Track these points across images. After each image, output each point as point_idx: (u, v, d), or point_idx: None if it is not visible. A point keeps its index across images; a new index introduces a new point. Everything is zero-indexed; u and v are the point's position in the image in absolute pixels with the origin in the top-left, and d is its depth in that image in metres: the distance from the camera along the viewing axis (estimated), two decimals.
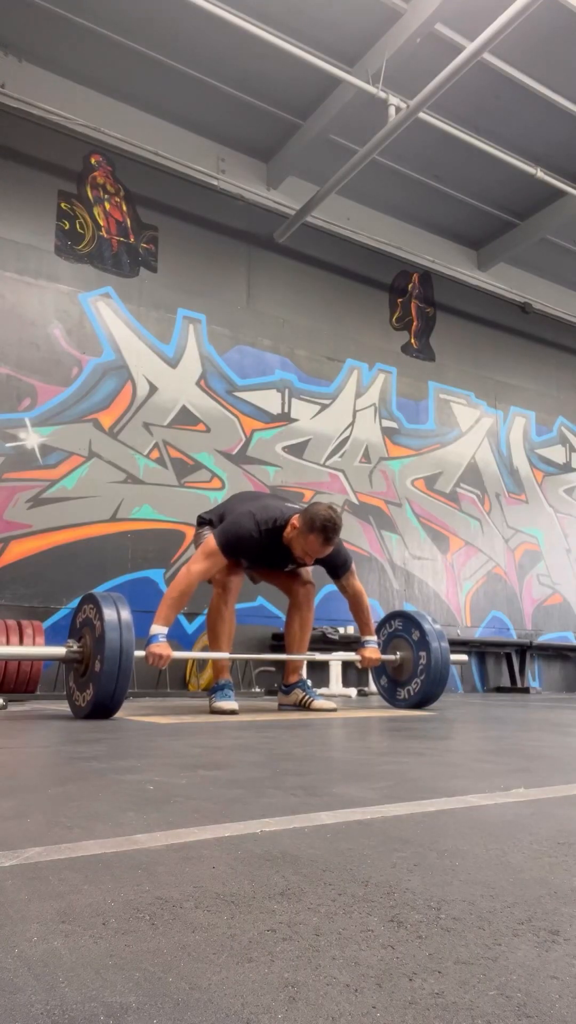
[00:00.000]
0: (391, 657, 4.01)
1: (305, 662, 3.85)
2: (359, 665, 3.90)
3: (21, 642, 4.51)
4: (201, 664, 5.51)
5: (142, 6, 5.38)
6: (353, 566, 3.81)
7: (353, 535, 6.89)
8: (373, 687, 6.10)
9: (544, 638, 8.04)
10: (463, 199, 7.54)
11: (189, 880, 0.77)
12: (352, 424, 7.17)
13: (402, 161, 6.95)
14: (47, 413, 5.53)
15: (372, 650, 3.84)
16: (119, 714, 3.22)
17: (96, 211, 6.07)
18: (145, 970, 0.55)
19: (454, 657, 4.00)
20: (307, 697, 3.70)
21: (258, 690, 5.71)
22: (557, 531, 8.55)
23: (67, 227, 5.90)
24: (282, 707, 3.79)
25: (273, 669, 6.14)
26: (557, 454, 8.85)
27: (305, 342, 7.03)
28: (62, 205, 5.91)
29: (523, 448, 8.50)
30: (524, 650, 7.54)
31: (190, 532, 5.96)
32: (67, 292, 5.79)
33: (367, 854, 0.87)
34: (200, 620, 5.86)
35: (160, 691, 5.33)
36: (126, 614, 2.99)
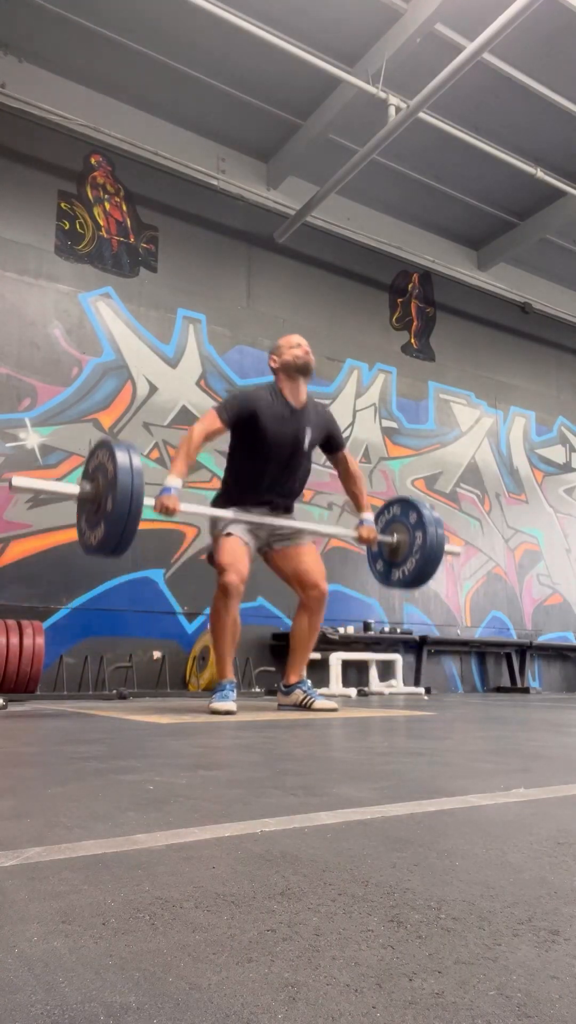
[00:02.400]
0: (388, 539, 4.07)
1: (305, 664, 3.83)
2: (357, 540, 3.94)
3: (21, 642, 4.51)
4: (201, 664, 5.51)
5: (142, 6, 5.38)
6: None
7: None
8: (373, 687, 6.11)
9: (544, 638, 8.04)
10: (463, 199, 7.54)
11: (189, 880, 0.76)
12: (352, 424, 7.17)
13: (402, 161, 6.95)
14: (47, 413, 5.53)
15: (369, 528, 3.91)
16: (117, 713, 3.22)
17: (96, 211, 6.07)
18: (145, 970, 0.55)
19: (449, 547, 4.10)
20: (308, 698, 3.67)
21: (258, 690, 5.71)
22: (557, 531, 8.55)
23: (67, 227, 5.90)
24: (282, 707, 3.77)
25: (273, 669, 6.14)
26: (557, 454, 8.85)
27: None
28: (62, 205, 5.91)
29: (523, 448, 8.50)
30: (524, 650, 7.54)
31: (190, 532, 5.97)
32: (67, 292, 5.79)
33: (367, 854, 0.87)
34: (200, 620, 5.86)
35: (160, 691, 5.33)
36: (137, 460, 3.07)
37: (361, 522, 3.92)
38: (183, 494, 3.42)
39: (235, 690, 3.49)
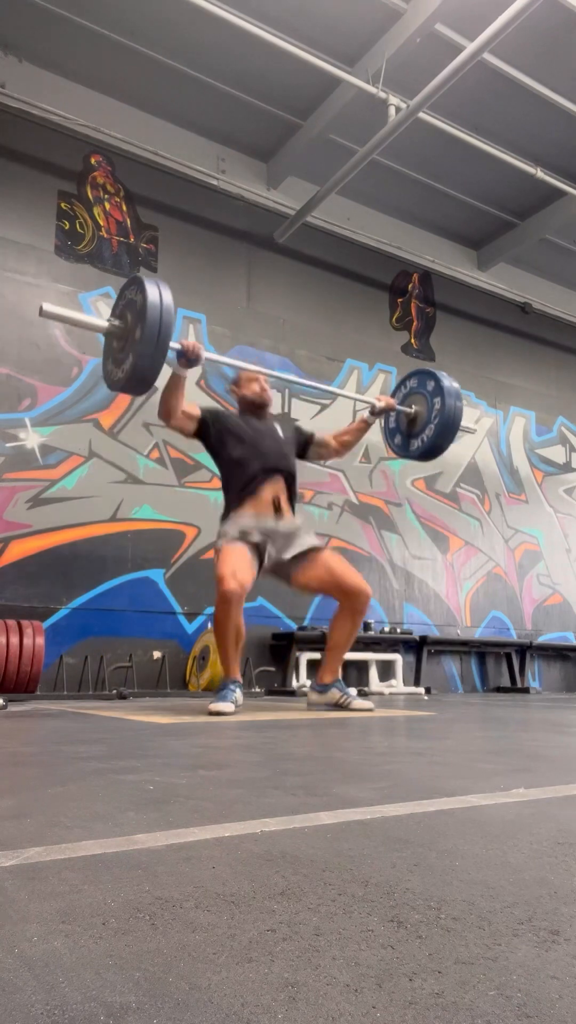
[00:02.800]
0: (407, 409, 4.17)
1: (339, 662, 3.74)
2: (373, 413, 4.03)
3: (21, 642, 4.51)
4: (201, 664, 5.52)
5: (142, 6, 5.38)
6: None
7: (353, 535, 6.89)
8: (373, 687, 6.11)
9: (544, 638, 8.04)
10: (463, 199, 7.54)
11: (189, 880, 0.77)
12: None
13: (402, 161, 6.95)
14: (47, 413, 5.53)
15: (385, 397, 4.10)
16: (117, 713, 3.22)
17: (96, 211, 6.07)
18: (145, 970, 0.55)
19: (465, 424, 4.17)
20: (345, 697, 3.58)
21: (258, 690, 5.71)
22: (557, 531, 8.55)
23: (67, 227, 5.90)
24: (312, 706, 3.67)
25: (273, 669, 6.14)
26: (557, 454, 8.85)
27: (305, 342, 7.02)
28: (62, 205, 5.91)
29: (523, 448, 8.50)
30: (524, 650, 7.54)
31: (190, 532, 5.97)
32: (67, 292, 5.78)
33: (367, 854, 0.87)
34: (200, 620, 5.86)
35: (160, 691, 5.33)
36: (168, 295, 3.17)
37: (373, 404, 4.04)
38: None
39: (238, 689, 3.42)
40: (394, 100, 5.62)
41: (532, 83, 5.96)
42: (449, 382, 4.05)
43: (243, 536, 3.55)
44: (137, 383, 3.17)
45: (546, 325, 8.94)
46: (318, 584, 3.68)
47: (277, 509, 3.67)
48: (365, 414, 4.06)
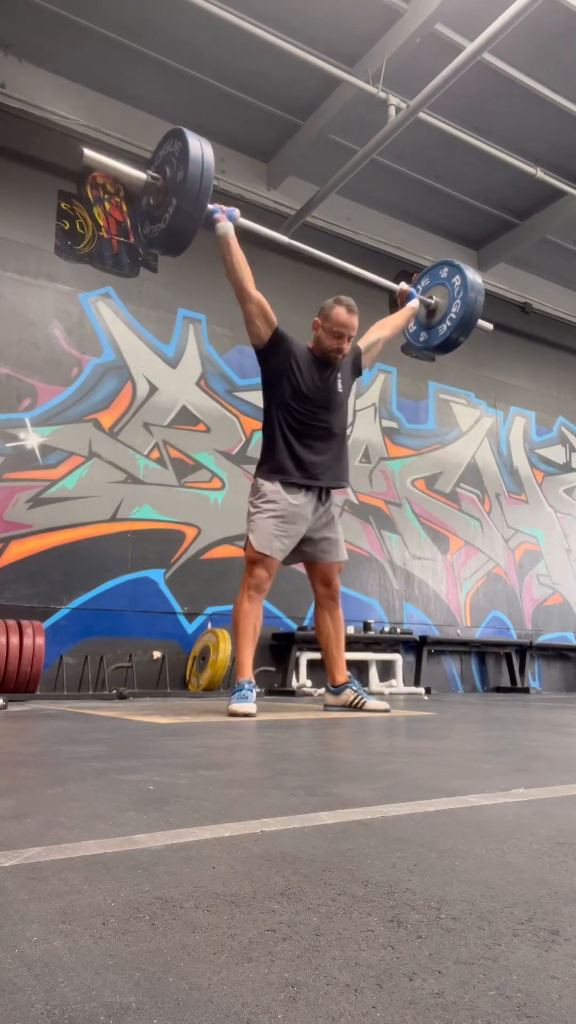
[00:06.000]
0: (428, 300, 4.26)
1: (343, 659, 3.62)
2: (399, 293, 4.30)
3: (21, 642, 4.51)
4: (201, 664, 5.52)
5: (142, 6, 5.38)
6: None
7: (353, 535, 6.88)
8: (373, 687, 6.11)
9: (544, 638, 8.04)
10: (463, 199, 7.54)
11: (189, 880, 0.76)
12: (352, 424, 7.16)
13: (402, 161, 6.95)
14: (47, 413, 5.53)
15: (406, 288, 4.22)
16: (117, 713, 3.22)
17: (96, 211, 6.07)
18: (145, 970, 0.55)
19: (482, 322, 4.22)
20: (359, 697, 3.47)
21: (259, 691, 5.70)
22: (557, 531, 8.55)
23: (67, 227, 5.90)
24: (328, 708, 3.55)
25: (273, 669, 6.14)
26: (557, 454, 8.85)
27: (306, 342, 7.00)
28: (62, 205, 5.91)
29: (523, 448, 8.50)
30: (524, 650, 7.54)
31: (190, 532, 5.97)
32: (67, 292, 5.78)
33: (367, 854, 0.87)
34: (201, 620, 5.86)
35: (160, 691, 5.34)
36: (210, 151, 3.17)
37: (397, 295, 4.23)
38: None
39: (253, 690, 3.26)
40: (394, 100, 5.62)
41: (532, 83, 5.96)
42: (473, 275, 4.08)
43: (283, 506, 3.36)
44: (177, 236, 3.18)
45: (546, 325, 8.94)
46: (313, 569, 3.58)
47: (323, 494, 3.51)
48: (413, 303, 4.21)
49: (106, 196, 6.15)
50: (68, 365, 5.70)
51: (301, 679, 5.90)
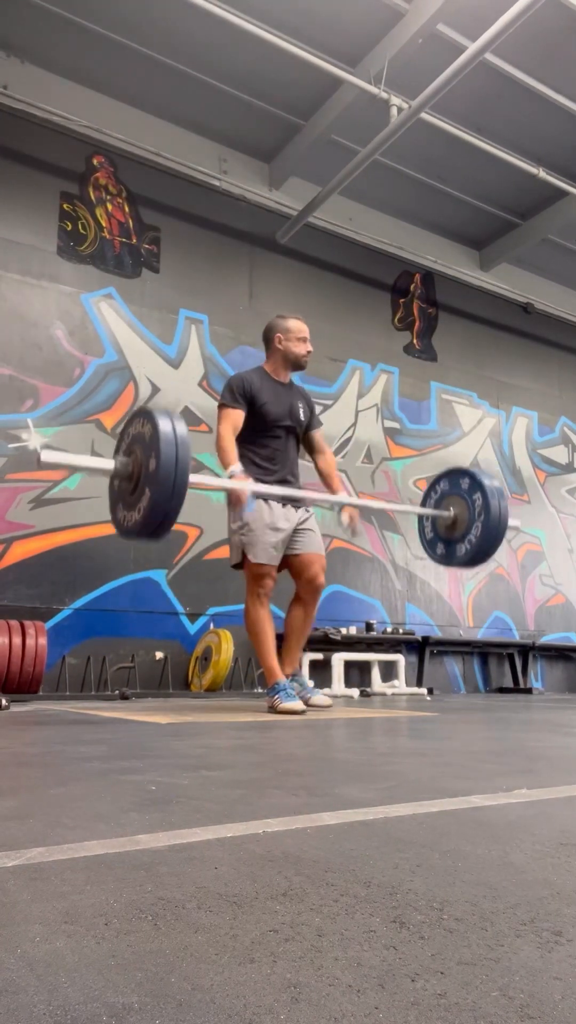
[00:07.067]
0: (445, 513, 3.89)
1: (300, 659, 3.76)
2: (345, 522, 3.79)
3: (23, 643, 4.51)
4: (203, 665, 5.52)
5: (144, 7, 5.38)
6: None
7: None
8: (375, 688, 6.10)
9: (547, 639, 8.03)
10: (465, 199, 7.53)
11: (191, 881, 0.77)
12: (354, 424, 7.16)
13: (404, 161, 6.95)
14: (49, 414, 5.54)
15: (352, 510, 3.84)
16: (120, 714, 3.22)
17: (98, 212, 6.07)
18: (147, 970, 0.55)
19: (513, 521, 3.92)
20: (303, 692, 3.62)
21: (260, 691, 5.71)
22: (559, 531, 8.54)
23: (69, 228, 5.90)
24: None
25: None
26: (559, 454, 8.84)
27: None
28: (64, 206, 5.92)
29: (525, 448, 8.50)
30: (527, 651, 7.53)
31: (192, 533, 5.97)
32: (69, 293, 5.79)
33: (369, 855, 0.87)
34: (203, 620, 5.86)
35: (162, 691, 5.34)
36: (183, 427, 2.80)
37: (342, 506, 3.86)
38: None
39: (293, 688, 3.44)
40: (396, 100, 5.62)
41: (534, 83, 5.96)
42: (488, 479, 3.77)
43: (270, 519, 3.55)
44: (156, 529, 2.82)
45: (548, 325, 8.93)
46: (295, 564, 3.68)
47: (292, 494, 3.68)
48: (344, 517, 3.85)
49: (108, 197, 6.16)
50: (70, 366, 5.70)
51: (303, 679, 5.89)
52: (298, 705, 3.28)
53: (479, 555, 3.82)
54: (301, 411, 3.78)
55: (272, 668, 3.47)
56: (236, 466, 3.39)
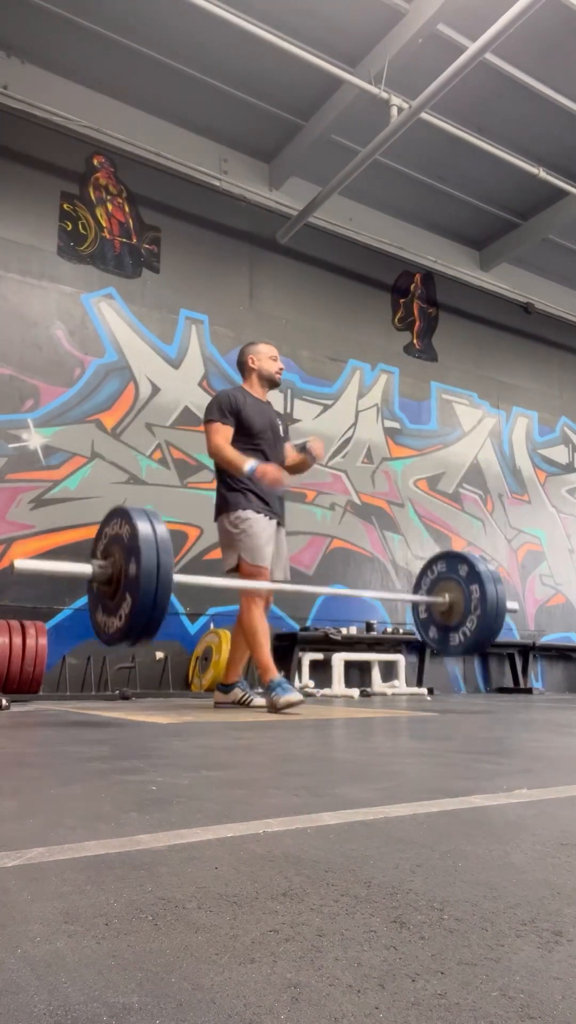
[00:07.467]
0: (439, 599, 3.80)
1: (242, 662, 3.91)
2: (311, 449, 3.88)
3: (24, 643, 4.51)
4: (203, 665, 5.52)
5: (145, 7, 5.38)
6: None
7: (356, 535, 6.89)
8: (376, 688, 6.10)
9: (547, 639, 8.03)
10: (465, 199, 7.53)
11: (192, 881, 0.77)
12: (354, 424, 7.16)
13: (404, 161, 6.95)
14: (50, 414, 5.54)
15: (315, 439, 3.99)
16: (120, 714, 3.22)
17: (98, 212, 6.08)
18: (148, 970, 0.55)
19: (511, 604, 3.79)
20: (247, 696, 3.81)
21: (261, 691, 5.70)
22: (560, 531, 8.54)
23: (69, 228, 5.91)
24: (218, 705, 3.86)
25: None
26: (560, 454, 8.84)
27: (307, 343, 7.02)
28: (64, 206, 5.92)
29: (526, 448, 8.49)
30: (527, 651, 7.53)
31: (193, 533, 5.97)
32: (69, 293, 5.79)
33: (370, 855, 0.87)
34: (203, 620, 5.86)
35: (163, 691, 5.34)
36: (162, 527, 2.68)
37: (304, 444, 3.95)
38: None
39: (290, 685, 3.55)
40: (396, 100, 5.62)
41: (534, 83, 5.96)
42: (485, 566, 3.65)
43: (266, 524, 3.74)
44: (140, 635, 2.67)
45: (548, 325, 8.93)
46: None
47: (276, 505, 3.88)
48: (298, 448, 3.99)
49: (108, 197, 6.16)
50: (70, 366, 5.70)
51: (304, 679, 5.89)
52: (295, 696, 3.38)
53: (472, 648, 3.77)
54: (280, 426, 4.01)
55: (267, 666, 3.56)
56: (252, 461, 3.55)
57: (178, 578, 2.93)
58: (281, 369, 4.04)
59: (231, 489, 3.78)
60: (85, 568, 2.84)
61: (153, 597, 2.56)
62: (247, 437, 3.79)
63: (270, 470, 3.51)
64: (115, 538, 2.82)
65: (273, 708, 3.39)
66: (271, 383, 4.01)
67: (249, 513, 3.67)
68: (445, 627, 3.84)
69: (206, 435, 3.77)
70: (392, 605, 7.00)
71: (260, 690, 4.34)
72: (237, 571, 3.70)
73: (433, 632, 3.95)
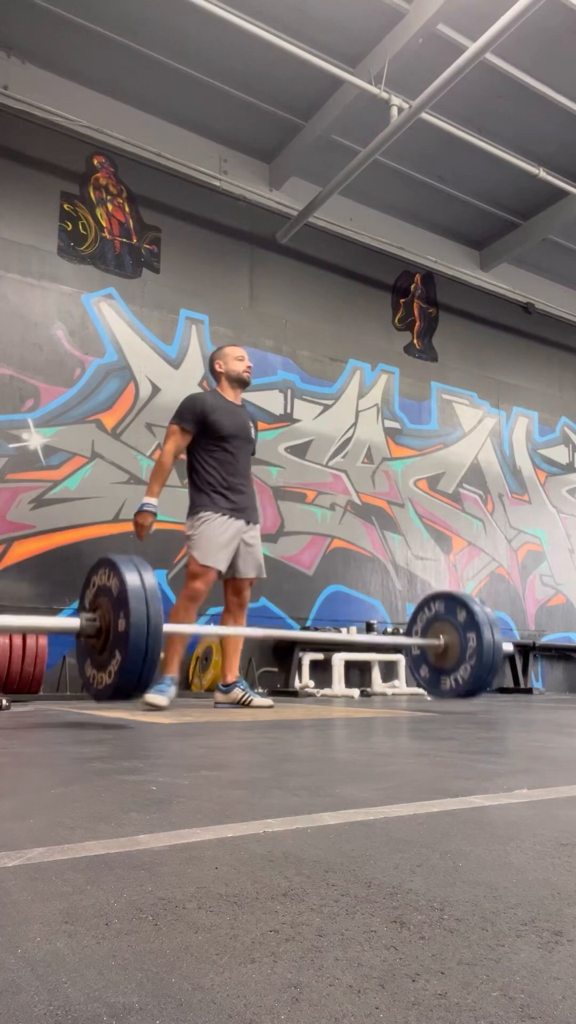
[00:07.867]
0: (435, 642, 3.73)
1: (236, 665, 3.97)
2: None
3: (24, 643, 4.51)
4: (204, 665, 5.52)
5: (145, 7, 5.38)
6: None
7: (356, 535, 6.88)
8: (376, 688, 6.11)
9: (547, 639, 8.03)
10: (466, 199, 7.53)
11: (192, 881, 0.77)
12: (355, 424, 7.16)
13: (404, 161, 6.95)
14: (50, 414, 5.54)
15: None
16: (120, 714, 3.22)
17: (99, 212, 6.08)
18: (148, 971, 0.55)
19: (507, 647, 3.74)
20: (247, 695, 3.83)
21: (261, 691, 5.71)
22: (560, 531, 8.54)
23: (70, 228, 5.91)
24: (218, 705, 3.89)
25: (275, 670, 6.14)
26: (560, 454, 8.84)
27: (307, 343, 7.02)
28: (65, 206, 5.92)
29: (526, 448, 8.49)
30: (527, 651, 7.53)
31: None
32: (70, 293, 5.79)
33: (370, 855, 0.87)
34: (202, 621, 5.86)
35: None
36: (151, 577, 2.57)
37: None
38: (158, 511, 3.81)
39: (173, 686, 3.57)
40: (396, 100, 5.62)
41: (535, 83, 5.96)
42: (482, 609, 3.54)
43: (226, 522, 3.87)
44: (130, 692, 2.61)
45: (549, 325, 8.93)
46: (228, 580, 3.99)
47: (248, 508, 3.99)
48: None
49: (109, 197, 6.16)
50: (71, 366, 5.70)
51: (304, 679, 5.89)
52: (159, 699, 3.40)
53: (464, 696, 3.69)
54: (252, 431, 4.10)
55: (168, 663, 3.62)
56: (153, 502, 3.76)
57: (168, 628, 2.88)
58: (249, 367, 4.11)
59: (197, 490, 3.90)
60: (73, 623, 2.81)
61: (143, 654, 2.51)
62: (216, 439, 3.88)
63: (138, 523, 3.75)
64: (103, 589, 2.75)
65: (144, 703, 3.40)
66: (241, 383, 4.08)
67: (208, 514, 3.78)
68: (438, 669, 3.76)
69: (164, 435, 3.91)
70: (392, 605, 7.00)
71: (260, 690, 4.36)
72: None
73: (425, 671, 3.88)
